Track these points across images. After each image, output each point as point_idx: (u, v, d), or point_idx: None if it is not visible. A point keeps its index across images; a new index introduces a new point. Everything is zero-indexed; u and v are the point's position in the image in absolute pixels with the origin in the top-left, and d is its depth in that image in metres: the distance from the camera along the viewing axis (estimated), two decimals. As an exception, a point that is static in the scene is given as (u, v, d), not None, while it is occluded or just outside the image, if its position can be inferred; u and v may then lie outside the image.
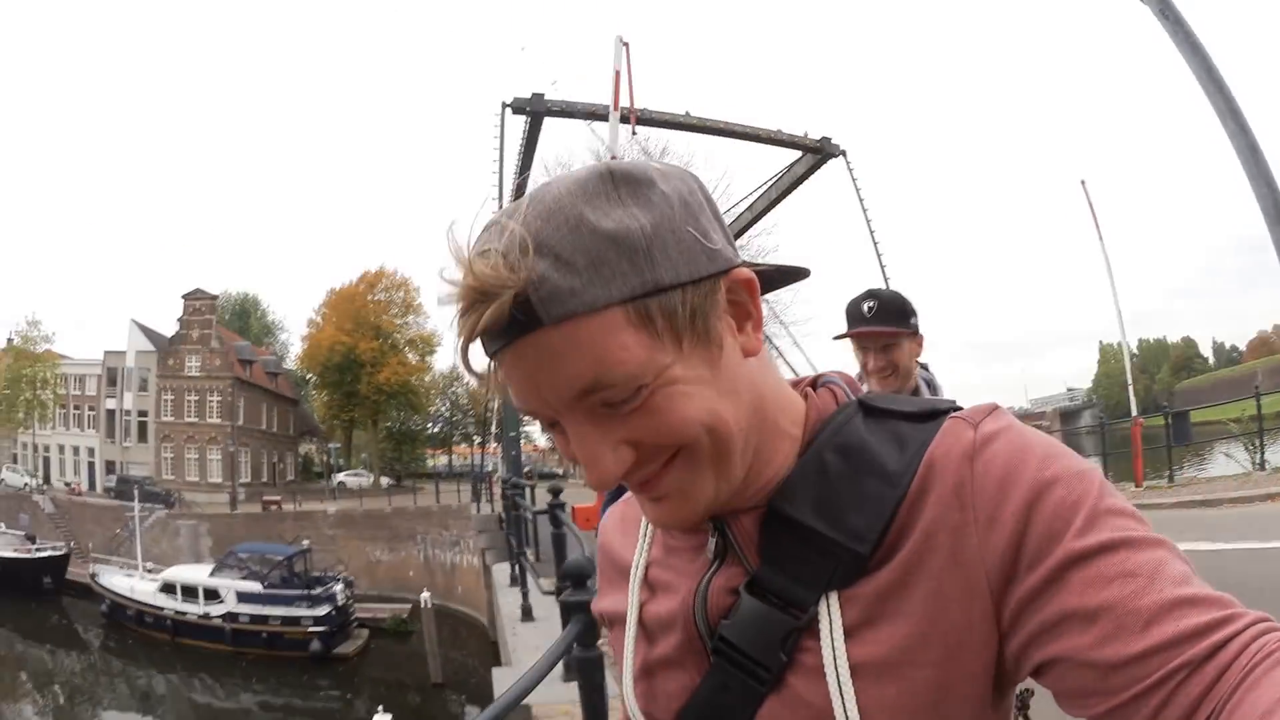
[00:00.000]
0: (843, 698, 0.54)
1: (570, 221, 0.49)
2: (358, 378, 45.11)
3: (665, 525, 0.63)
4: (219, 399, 41.71)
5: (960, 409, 0.58)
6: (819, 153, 17.18)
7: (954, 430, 0.56)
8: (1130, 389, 15.16)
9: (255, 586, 20.56)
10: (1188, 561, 0.49)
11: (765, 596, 0.58)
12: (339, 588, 21.52)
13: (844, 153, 17.29)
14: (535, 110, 14.77)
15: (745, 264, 0.57)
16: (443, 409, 54.97)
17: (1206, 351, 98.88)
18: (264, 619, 20.15)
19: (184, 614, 20.81)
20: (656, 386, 0.52)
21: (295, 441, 51.10)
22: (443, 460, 58.37)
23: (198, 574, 21.73)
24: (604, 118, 14.39)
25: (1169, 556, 0.48)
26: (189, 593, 20.93)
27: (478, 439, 57.15)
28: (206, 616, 20.57)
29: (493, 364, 0.54)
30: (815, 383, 0.66)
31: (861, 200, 17.85)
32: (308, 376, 49.31)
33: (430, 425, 56.43)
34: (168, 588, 21.39)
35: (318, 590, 20.72)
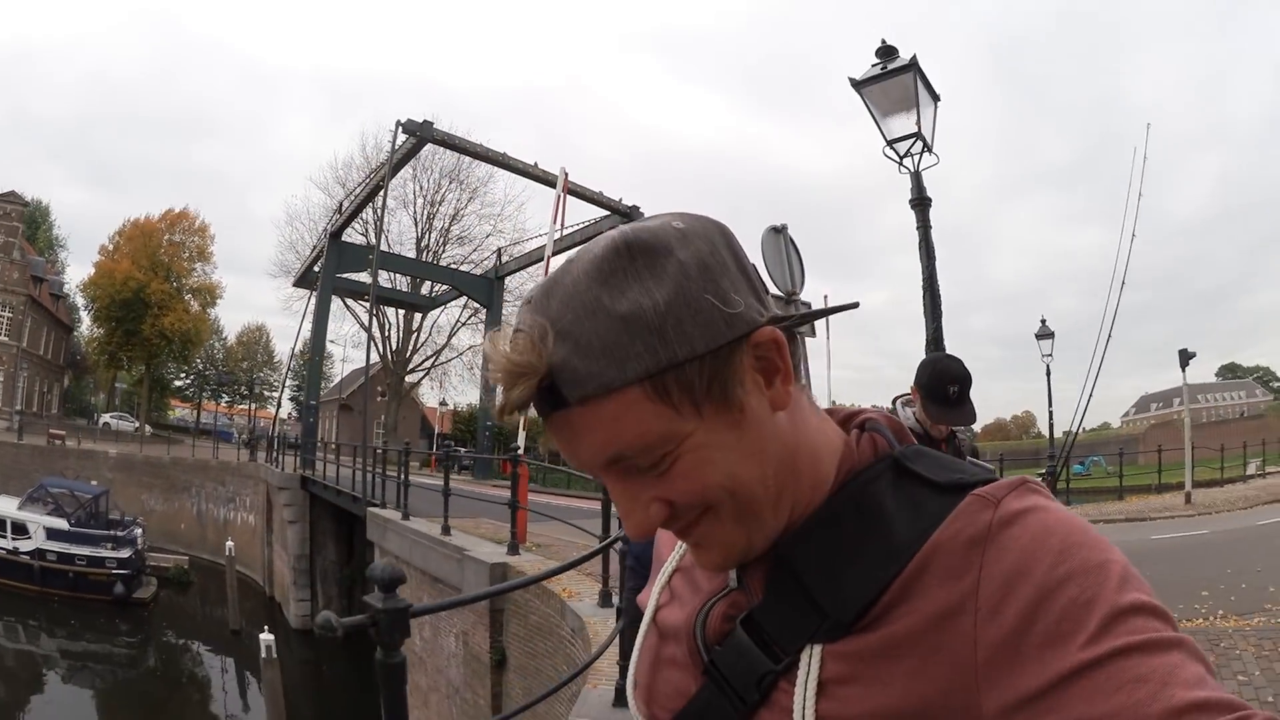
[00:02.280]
0: None
1: (587, 306, 0.53)
2: (141, 317, 42.57)
3: (707, 569, 0.64)
4: (9, 315, 38.15)
5: (991, 480, 0.57)
6: (624, 215, 20.29)
7: (970, 510, 0.55)
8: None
9: (62, 524, 20.01)
10: (1204, 662, 0.48)
11: (755, 634, 0.60)
12: (139, 531, 21.66)
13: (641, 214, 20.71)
14: (423, 136, 16.97)
15: (775, 318, 0.57)
16: (198, 364, 53.40)
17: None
18: (70, 558, 19.79)
19: (-11, 549, 19.65)
20: (680, 454, 0.55)
21: (63, 372, 47.59)
22: (181, 413, 56.73)
23: (4, 506, 20.56)
24: (494, 160, 17.19)
25: (1184, 659, 0.47)
26: (-6, 525, 19.81)
27: (225, 398, 56.71)
28: (15, 552, 19.80)
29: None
30: (863, 424, 0.66)
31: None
32: (86, 306, 45.67)
33: (184, 377, 54.69)
34: (-32, 520, 19.92)
35: (121, 533, 20.71)
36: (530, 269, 26.25)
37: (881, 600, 0.55)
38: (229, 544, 20.10)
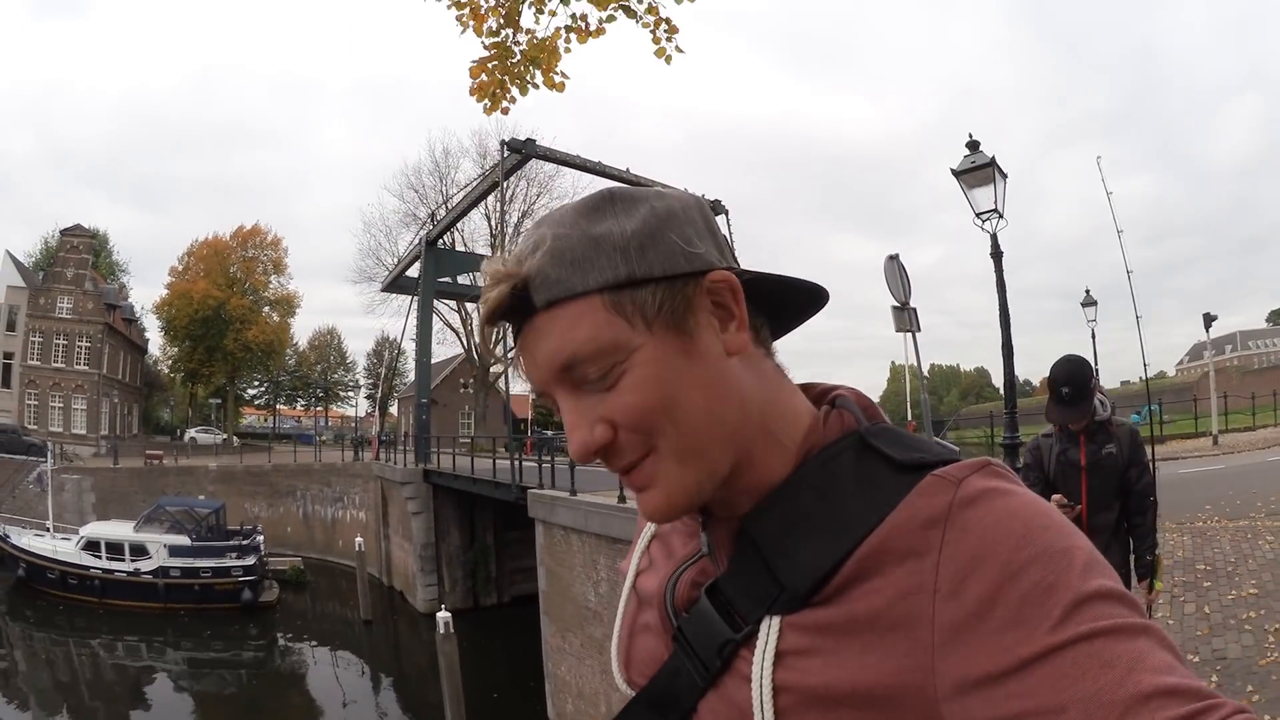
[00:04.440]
0: (763, 714, 0.56)
1: (567, 228, 0.59)
2: (223, 333, 43.70)
3: (650, 517, 0.63)
4: (87, 344, 38.59)
5: (954, 460, 0.57)
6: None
7: (929, 490, 0.55)
8: (907, 403, 17.39)
9: (184, 540, 19.98)
10: (1172, 648, 0.47)
11: (718, 602, 0.62)
12: (261, 539, 21.89)
13: (726, 211, 21.11)
14: (528, 153, 17.54)
15: (733, 269, 0.61)
16: (277, 374, 54.46)
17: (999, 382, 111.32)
18: (195, 572, 19.74)
19: (111, 573, 19.54)
20: (627, 368, 0.57)
21: (141, 393, 48.33)
22: (248, 419, 58.30)
23: (120, 530, 20.37)
24: (590, 169, 17.76)
25: (1151, 645, 0.46)
26: (114, 550, 19.73)
27: (301, 402, 58.19)
28: (136, 573, 19.57)
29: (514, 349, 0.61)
30: (833, 400, 0.67)
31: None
32: (162, 327, 47.21)
33: (257, 385, 55.77)
34: (90, 546, 19.86)
35: (244, 541, 20.83)
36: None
37: (838, 575, 0.55)
38: (359, 540, 20.84)
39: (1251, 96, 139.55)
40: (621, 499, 9.89)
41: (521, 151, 17.39)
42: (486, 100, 4.50)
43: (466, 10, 4.31)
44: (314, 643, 18.50)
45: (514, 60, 4.43)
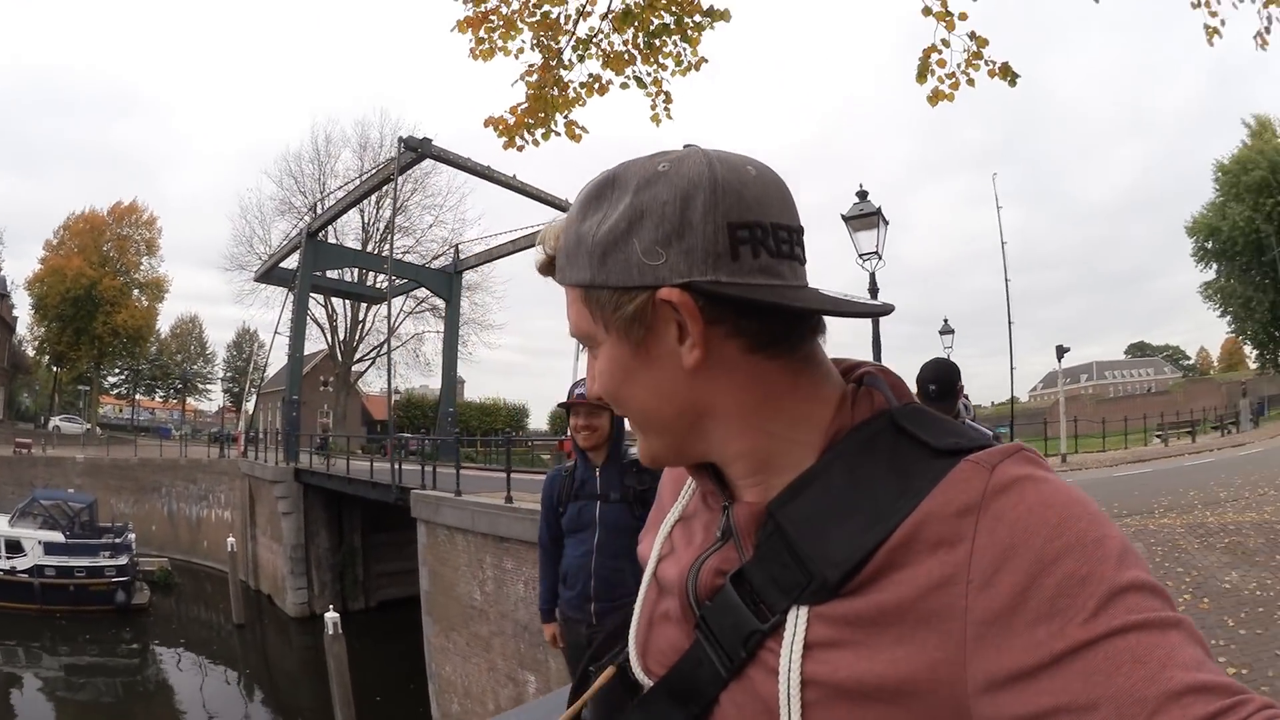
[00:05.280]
0: (790, 708, 0.55)
1: (573, 215, 0.64)
2: (93, 315, 41.38)
3: (641, 462, 0.70)
4: None
5: (989, 445, 0.57)
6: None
7: (963, 477, 0.54)
8: None
9: (58, 536, 19.38)
10: (1202, 643, 0.47)
11: (743, 592, 0.61)
12: (132, 537, 21.20)
13: None
14: (423, 152, 17.56)
15: (692, 285, 0.58)
16: (139, 362, 51.97)
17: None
18: (69, 571, 19.18)
19: (-15, 571, 18.65)
20: (597, 354, 0.66)
21: (8, 374, 45.34)
22: (104, 409, 54.61)
23: None
24: (484, 175, 17.76)
25: (1182, 639, 0.46)
26: (-15, 546, 18.87)
27: (159, 394, 54.96)
28: (12, 571, 18.96)
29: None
30: (860, 378, 0.66)
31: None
32: (33, 305, 43.95)
33: (118, 373, 53.16)
34: (-45, 542, 18.88)
35: (116, 539, 20.23)
36: (485, 266, 27.49)
37: (869, 564, 0.54)
38: (230, 541, 20.43)
39: (1134, 143, 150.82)
40: (508, 499, 10.25)
41: (418, 151, 17.45)
42: (504, 137, 4.72)
43: (521, 61, 4.60)
44: (188, 648, 18.08)
45: (544, 109, 4.67)
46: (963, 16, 4.78)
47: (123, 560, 19.94)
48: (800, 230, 0.63)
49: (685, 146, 0.64)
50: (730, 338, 0.60)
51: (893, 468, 0.58)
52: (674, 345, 0.61)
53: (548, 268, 0.68)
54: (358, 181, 22.27)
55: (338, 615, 12.15)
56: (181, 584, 23.05)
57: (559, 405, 3.29)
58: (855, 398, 0.63)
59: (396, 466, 14.98)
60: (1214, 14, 5.57)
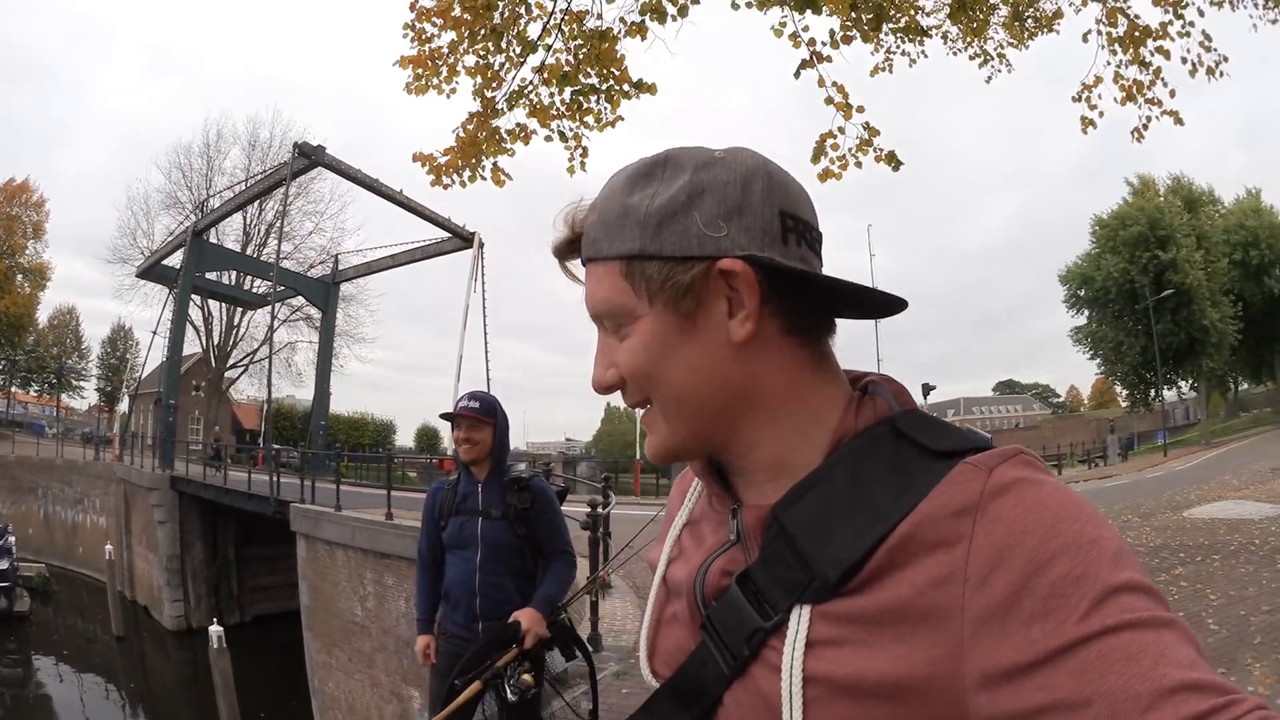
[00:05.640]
0: (791, 704, 0.56)
1: (614, 193, 0.65)
2: (-29, 300, 38.78)
3: (648, 457, 0.70)
4: None
5: (986, 448, 0.58)
6: (465, 240, 21.50)
7: (961, 479, 0.55)
8: (638, 443, 19.22)
9: None
10: (1195, 644, 0.47)
11: (748, 591, 0.62)
12: (12, 539, 20.13)
13: (482, 243, 21.48)
14: (315, 160, 17.32)
15: (754, 258, 0.60)
16: (16, 353, 48.59)
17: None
18: None
19: None
20: (631, 331, 0.64)
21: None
22: None
23: None
24: (373, 188, 17.65)
25: (1175, 639, 0.47)
26: None
27: (34, 388, 51.24)
28: None
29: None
30: (866, 386, 0.68)
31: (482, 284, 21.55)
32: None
33: None
34: None
35: None
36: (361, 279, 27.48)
37: (870, 563, 0.56)
38: (108, 549, 19.62)
39: (1011, 194, 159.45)
40: (389, 515, 10.23)
41: (310, 158, 17.24)
42: (432, 175, 4.97)
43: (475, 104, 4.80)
44: (68, 660, 17.32)
45: (476, 154, 4.92)
46: (860, 109, 5.38)
47: (3, 564, 18.94)
48: (822, 235, 0.68)
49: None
50: (774, 316, 0.63)
51: (893, 469, 0.59)
52: (722, 319, 0.62)
53: (569, 247, 0.69)
54: (246, 183, 21.90)
55: (222, 629, 11.86)
56: (59, 591, 21.97)
57: (441, 415, 3.23)
58: (860, 404, 0.65)
59: (274, 479, 14.65)
60: (1093, 107, 6.32)
